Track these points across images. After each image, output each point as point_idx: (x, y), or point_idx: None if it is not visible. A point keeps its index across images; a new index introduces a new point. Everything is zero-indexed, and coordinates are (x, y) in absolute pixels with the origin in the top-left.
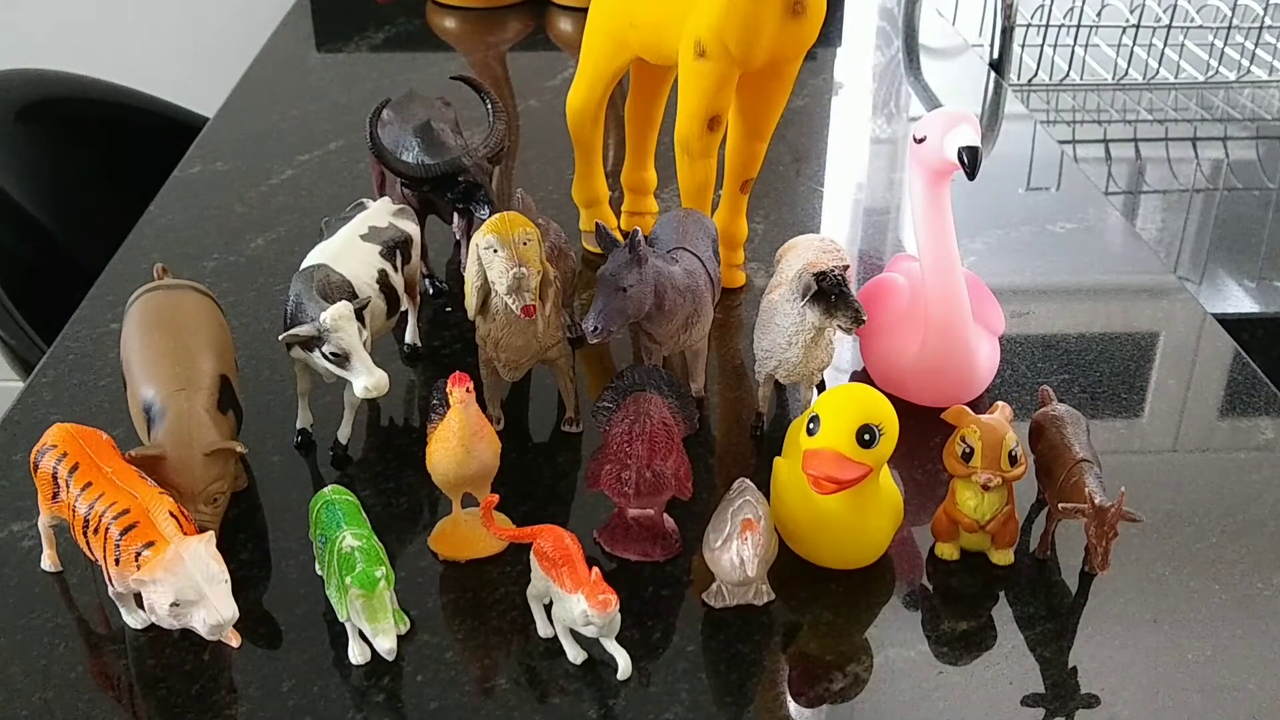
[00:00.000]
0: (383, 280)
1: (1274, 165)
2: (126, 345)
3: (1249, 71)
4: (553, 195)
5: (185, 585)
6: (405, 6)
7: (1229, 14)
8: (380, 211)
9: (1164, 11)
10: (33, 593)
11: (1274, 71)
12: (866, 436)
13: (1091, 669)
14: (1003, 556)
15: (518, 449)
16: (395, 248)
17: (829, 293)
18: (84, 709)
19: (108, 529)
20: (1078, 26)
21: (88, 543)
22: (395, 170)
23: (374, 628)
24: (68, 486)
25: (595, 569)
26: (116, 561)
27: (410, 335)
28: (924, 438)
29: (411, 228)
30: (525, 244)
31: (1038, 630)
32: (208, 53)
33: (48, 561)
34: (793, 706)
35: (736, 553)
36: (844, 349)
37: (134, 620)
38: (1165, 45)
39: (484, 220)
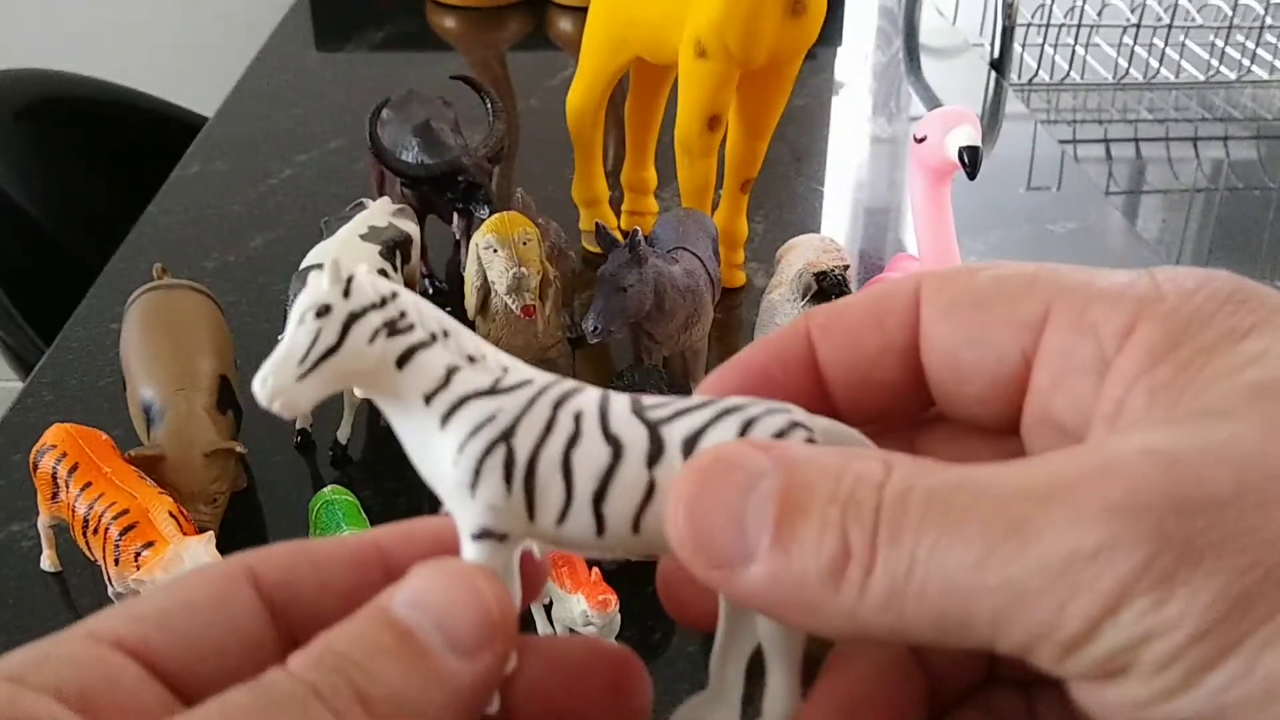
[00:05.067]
0: None
1: (1275, 165)
2: (126, 345)
3: (1250, 71)
4: (553, 195)
5: None
6: (405, 5)
7: (1230, 14)
8: (380, 211)
9: (1165, 11)
10: (33, 593)
11: (1275, 71)
12: None
13: None
14: None
15: None
16: (395, 247)
17: (829, 292)
18: None
19: (107, 529)
20: (1078, 26)
21: (87, 543)
22: (395, 170)
23: None
24: (67, 487)
25: (595, 569)
26: (116, 562)
27: None
28: None
29: (411, 227)
30: (525, 244)
31: None
32: (207, 52)
33: (47, 562)
34: None
35: None
36: None
37: None
38: (1166, 45)
39: (483, 220)
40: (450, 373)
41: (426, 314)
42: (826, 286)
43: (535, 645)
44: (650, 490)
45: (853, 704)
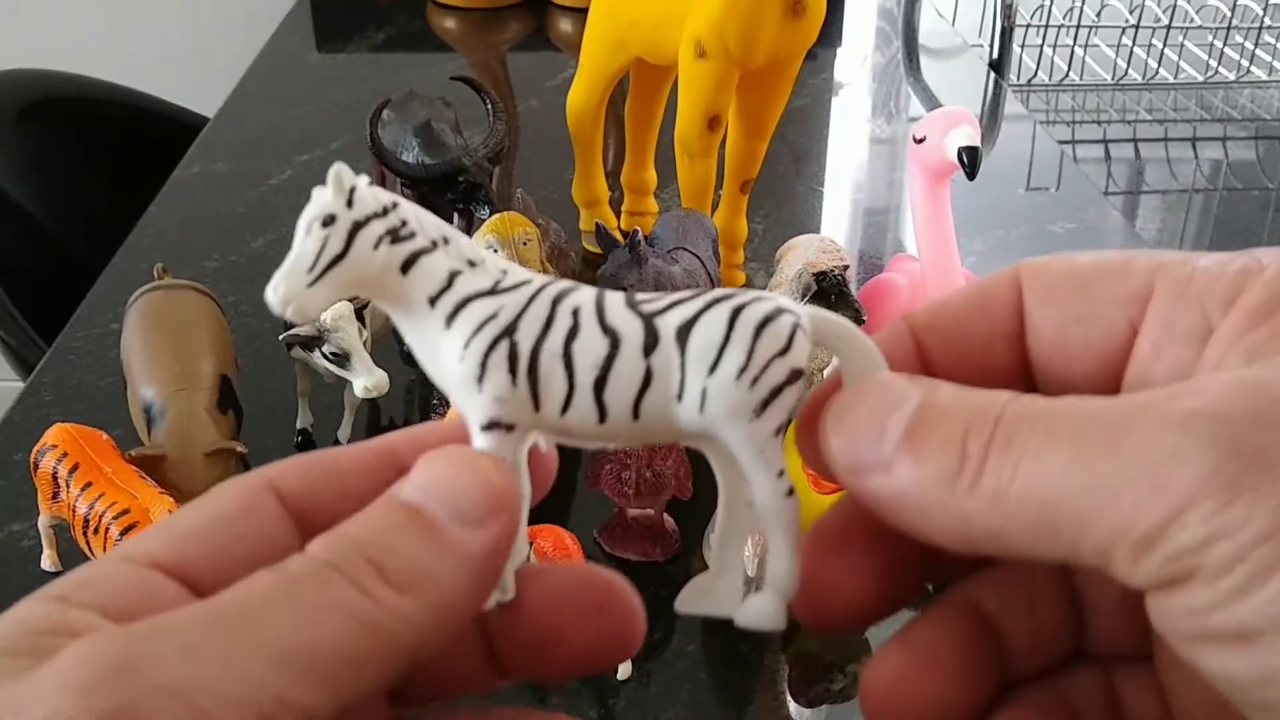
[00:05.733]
0: None
1: (1274, 165)
2: (127, 345)
3: (1248, 72)
4: (553, 195)
5: None
6: (405, 6)
7: (1228, 14)
8: None
9: (1163, 12)
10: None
11: (1273, 72)
12: None
13: None
14: None
15: None
16: None
17: (829, 293)
18: None
19: (108, 529)
20: (1077, 27)
21: (88, 543)
22: (395, 170)
23: None
24: (68, 486)
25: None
26: None
27: None
28: None
29: None
30: (525, 244)
31: None
32: (208, 53)
33: (48, 562)
34: (793, 707)
35: None
36: None
37: None
38: (1165, 46)
39: (484, 220)
40: (452, 276)
41: (427, 222)
42: (826, 287)
43: (527, 572)
44: (648, 377)
45: (924, 654)
